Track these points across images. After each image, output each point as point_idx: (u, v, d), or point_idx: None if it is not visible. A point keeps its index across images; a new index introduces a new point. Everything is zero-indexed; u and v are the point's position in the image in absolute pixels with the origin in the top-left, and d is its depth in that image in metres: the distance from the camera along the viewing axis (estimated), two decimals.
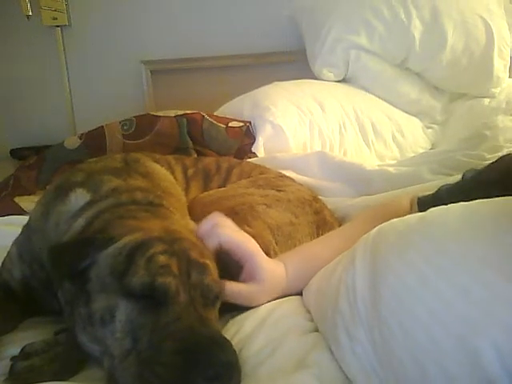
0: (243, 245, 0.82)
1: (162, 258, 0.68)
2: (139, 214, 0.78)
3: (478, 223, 0.64)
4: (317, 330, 0.77)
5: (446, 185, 0.93)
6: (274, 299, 0.84)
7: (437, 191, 0.93)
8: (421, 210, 0.86)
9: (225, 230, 0.82)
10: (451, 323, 0.54)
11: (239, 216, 0.99)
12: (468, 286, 0.55)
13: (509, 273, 0.54)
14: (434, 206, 0.73)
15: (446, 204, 0.73)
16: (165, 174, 1.01)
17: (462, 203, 0.70)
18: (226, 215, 0.98)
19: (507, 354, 0.50)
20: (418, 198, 0.94)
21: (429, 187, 1.04)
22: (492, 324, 0.52)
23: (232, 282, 0.79)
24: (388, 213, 0.90)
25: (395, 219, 0.74)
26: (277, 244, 0.97)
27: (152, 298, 0.65)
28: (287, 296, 0.86)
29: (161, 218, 0.79)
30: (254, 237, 0.89)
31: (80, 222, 0.79)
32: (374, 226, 0.76)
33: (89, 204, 0.82)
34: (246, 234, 0.86)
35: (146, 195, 0.84)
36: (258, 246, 0.85)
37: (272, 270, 0.84)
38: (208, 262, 0.73)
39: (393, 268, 0.63)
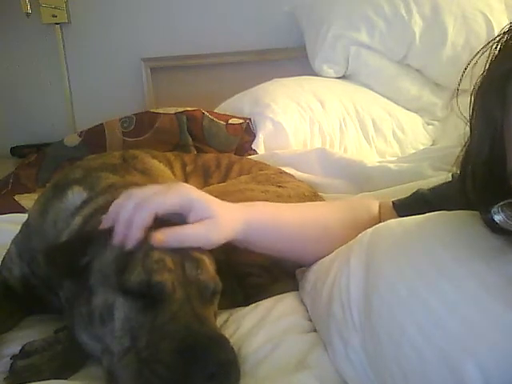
0: (183, 198, 0.71)
1: (156, 253, 0.67)
2: None
3: (474, 240, 0.62)
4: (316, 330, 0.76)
5: (422, 189, 0.91)
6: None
7: (414, 193, 0.91)
8: (400, 214, 0.86)
9: (157, 199, 0.69)
10: (438, 340, 0.53)
11: None
12: (458, 304, 0.54)
13: (502, 295, 0.53)
14: (419, 209, 0.72)
15: (434, 206, 0.72)
16: (163, 170, 1.01)
17: (462, 211, 0.68)
18: None
19: (492, 375, 0.49)
20: (394, 202, 0.92)
21: (429, 183, 1.03)
22: (479, 343, 0.51)
23: (183, 225, 0.70)
24: (356, 210, 0.90)
25: (393, 220, 0.73)
26: None
27: (149, 297, 0.65)
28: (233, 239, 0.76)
29: None
30: None
31: (77, 220, 0.79)
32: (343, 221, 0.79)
33: (86, 202, 0.82)
34: (182, 186, 0.75)
35: None
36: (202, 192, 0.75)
37: (223, 205, 0.74)
38: (203, 256, 0.72)
39: (386, 276, 0.63)
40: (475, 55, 0.63)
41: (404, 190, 1.15)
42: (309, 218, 0.85)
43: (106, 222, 0.71)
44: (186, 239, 0.69)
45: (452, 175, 0.87)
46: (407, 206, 0.88)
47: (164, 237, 0.67)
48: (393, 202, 0.92)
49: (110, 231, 0.70)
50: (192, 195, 0.72)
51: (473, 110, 0.63)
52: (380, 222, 0.80)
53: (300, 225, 0.83)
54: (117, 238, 0.68)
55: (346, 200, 0.99)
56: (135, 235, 0.67)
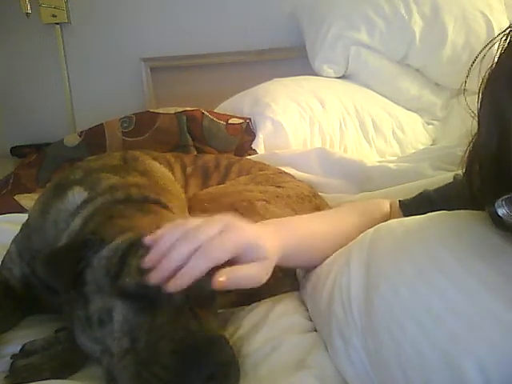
0: (241, 243, 0.65)
1: None
2: (129, 213, 0.77)
3: (475, 239, 0.62)
4: (316, 329, 0.76)
5: (428, 190, 0.90)
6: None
7: (420, 194, 0.91)
8: (405, 214, 0.86)
9: (215, 247, 0.63)
10: (439, 339, 0.53)
11: (238, 212, 0.99)
12: (459, 303, 0.54)
13: (502, 294, 0.53)
14: (424, 209, 0.72)
15: (437, 206, 0.72)
16: (163, 171, 1.01)
17: (463, 211, 0.68)
18: (226, 212, 0.98)
19: (492, 374, 0.49)
20: (400, 202, 0.92)
21: (429, 183, 1.03)
22: (479, 343, 0.51)
23: (240, 266, 0.65)
24: (370, 212, 0.90)
25: (394, 220, 0.73)
26: None
27: (147, 298, 0.65)
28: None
29: (151, 214, 0.78)
30: None
31: (77, 221, 0.79)
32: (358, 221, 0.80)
33: (86, 201, 0.82)
34: (237, 227, 0.67)
35: (141, 191, 0.84)
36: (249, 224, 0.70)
37: (270, 239, 0.70)
38: None
39: (386, 276, 0.62)
40: (484, 47, 0.63)
41: (404, 190, 1.16)
42: (337, 229, 0.83)
43: (148, 261, 0.63)
44: (243, 280, 0.65)
45: (454, 176, 0.87)
46: (413, 206, 0.88)
47: (226, 279, 0.62)
48: (400, 201, 0.92)
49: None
50: (248, 238, 0.67)
51: (481, 103, 0.62)
52: None
53: (331, 238, 0.81)
54: (156, 276, 0.61)
55: (361, 203, 0.98)
56: (184, 282, 0.60)
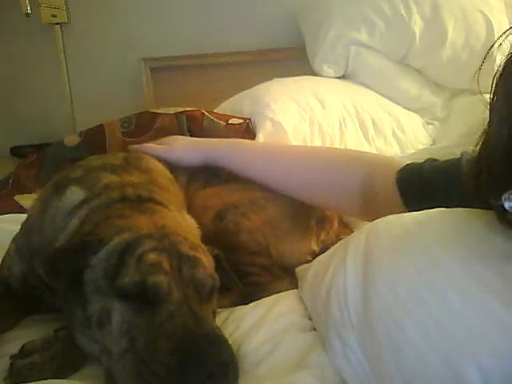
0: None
1: (152, 256, 0.67)
2: (126, 212, 0.77)
3: (475, 239, 0.61)
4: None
5: (433, 161, 0.88)
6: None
7: (422, 164, 0.88)
8: (400, 188, 0.85)
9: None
10: (438, 341, 0.53)
11: (239, 210, 0.99)
12: (458, 305, 0.54)
13: (502, 296, 0.52)
14: (418, 188, 0.71)
15: (431, 186, 0.71)
16: (165, 171, 1.01)
17: (463, 210, 0.67)
18: (226, 209, 0.98)
19: (492, 376, 0.48)
20: (400, 171, 0.88)
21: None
22: (478, 345, 0.50)
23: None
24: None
25: (390, 216, 0.71)
26: (276, 238, 0.97)
27: (145, 298, 0.65)
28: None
29: (149, 213, 0.78)
30: (253, 231, 0.88)
31: (74, 222, 0.79)
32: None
33: (83, 202, 0.82)
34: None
35: (136, 190, 0.83)
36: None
37: (179, 142, 1.14)
38: (200, 255, 0.72)
39: (384, 275, 0.62)
40: (500, 36, 0.62)
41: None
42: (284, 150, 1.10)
43: None
44: (147, 149, 1.10)
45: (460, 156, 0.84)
46: (411, 185, 0.86)
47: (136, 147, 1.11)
48: (401, 168, 0.89)
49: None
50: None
51: (494, 93, 0.62)
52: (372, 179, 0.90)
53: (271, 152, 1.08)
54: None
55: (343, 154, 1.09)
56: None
